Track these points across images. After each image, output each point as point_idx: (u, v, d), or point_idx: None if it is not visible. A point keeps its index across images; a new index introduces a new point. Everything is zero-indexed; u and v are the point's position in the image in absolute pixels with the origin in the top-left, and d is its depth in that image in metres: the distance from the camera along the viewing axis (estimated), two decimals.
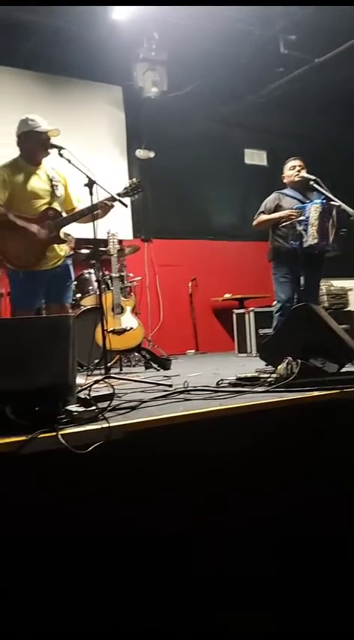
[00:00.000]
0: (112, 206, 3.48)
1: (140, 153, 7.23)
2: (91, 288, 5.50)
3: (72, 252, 3.84)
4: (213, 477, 1.99)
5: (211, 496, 1.97)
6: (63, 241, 3.60)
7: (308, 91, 7.16)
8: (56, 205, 3.58)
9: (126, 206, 3.41)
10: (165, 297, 7.29)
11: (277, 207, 4.67)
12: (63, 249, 3.66)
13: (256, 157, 8.19)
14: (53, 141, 3.49)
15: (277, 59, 6.61)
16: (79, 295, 5.40)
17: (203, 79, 6.89)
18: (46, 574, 1.66)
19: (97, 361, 4.37)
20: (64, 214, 3.60)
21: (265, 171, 7.96)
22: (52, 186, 3.58)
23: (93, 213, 3.32)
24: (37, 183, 3.56)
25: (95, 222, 3.24)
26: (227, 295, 7.25)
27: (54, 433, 1.69)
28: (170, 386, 2.79)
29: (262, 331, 5.99)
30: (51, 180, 3.58)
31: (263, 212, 4.74)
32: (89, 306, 5.20)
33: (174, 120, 7.24)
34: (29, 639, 1.63)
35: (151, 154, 7.28)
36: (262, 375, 2.78)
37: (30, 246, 3.48)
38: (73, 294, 4.21)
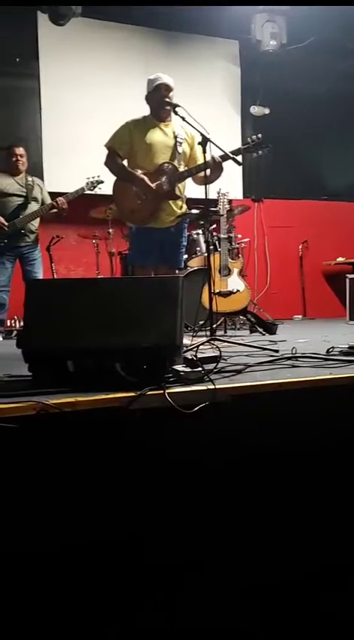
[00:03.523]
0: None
1: (255, 109, 7.01)
2: (198, 249, 5.49)
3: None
4: (320, 449, 1.94)
5: (318, 471, 1.92)
6: (177, 197, 3.62)
7: None
8: (176, 162, 3.58)
9: (240, 164, 3.32)
10: (273, 260, 7.13)
11: None
12: (179, 206, 3.67)
13: None
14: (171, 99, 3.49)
15: None
16: (186, 256, 5.41)
17: (324, 30, 6.48)
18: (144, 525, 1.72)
19: (202, 322, 4.39)
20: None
21: None
22: (175, 143, 3.58)
23: (205, 172, 3.27)
24: (161, 138, 3.60)
25: (208, 183, 3.20)
26: (340, 259, 6.95)
27: (161, 391, 1.72)
28: (277, 351, 2.74)
29: None
30: (175, 138, 3.59)
31: None
32: (196, 267, 5.21)
33: (291, 74, 6.92)
34: None
35: (266, 111, 7.04)
36: None
37: (144, 200, 3.55)
38: None
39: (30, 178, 4.93)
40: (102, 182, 4.71)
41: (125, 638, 1.67)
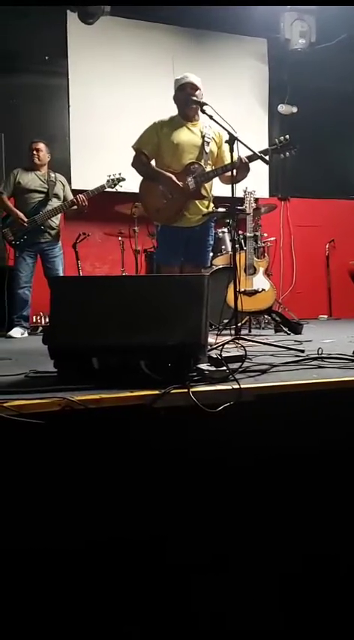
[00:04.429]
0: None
1: (282, 108, 6.97)
2: (223, 247, 5.47)
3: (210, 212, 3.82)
4: (347, 451, 1.91)
5: (343, 473, 1.89)
6: (203, 197, 3.61)
7: None
8: (203, 161, 3.57)
9: (267, 162, 3.31)
10: (299, 259, 7.08)
11: None
12: (205, 205, 3.66)
13: None
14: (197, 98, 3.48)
15: None
16: (211, 254, 5.39)
17: None
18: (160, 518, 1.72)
19: (226, 321, 4.37)
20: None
21: None
22: (203, 142, 3.57)
23: (232, 172, 3.26)
24: (188, 137, 3.59)
25: (235, 183, 3.18)
26: None
27: (185, 390, 1.71)
28: (302, 351, 2.71)
29: None
30: (203, 137, 3.58)
31: None
32: (221, 266, 5.19)
33: (319, 73, 6.86)
34: None
35: (294, 109, 6.99)
36: None
37: (170, 199, 3.54)
38: None
39: (53, 175, 4.94)
40: (123, 180, 4.69)
41: (149, 636, 1.67)
